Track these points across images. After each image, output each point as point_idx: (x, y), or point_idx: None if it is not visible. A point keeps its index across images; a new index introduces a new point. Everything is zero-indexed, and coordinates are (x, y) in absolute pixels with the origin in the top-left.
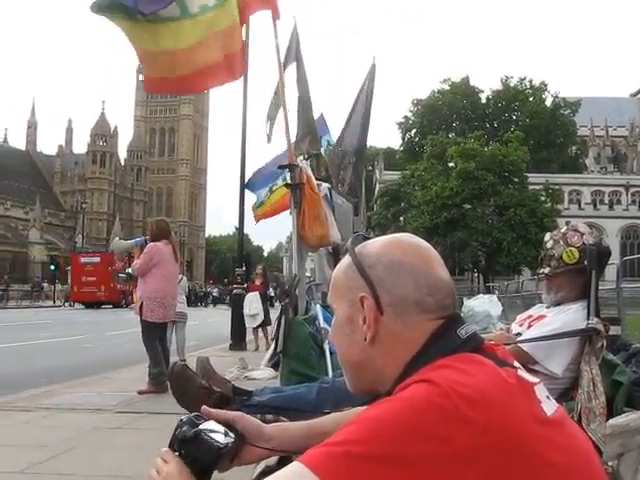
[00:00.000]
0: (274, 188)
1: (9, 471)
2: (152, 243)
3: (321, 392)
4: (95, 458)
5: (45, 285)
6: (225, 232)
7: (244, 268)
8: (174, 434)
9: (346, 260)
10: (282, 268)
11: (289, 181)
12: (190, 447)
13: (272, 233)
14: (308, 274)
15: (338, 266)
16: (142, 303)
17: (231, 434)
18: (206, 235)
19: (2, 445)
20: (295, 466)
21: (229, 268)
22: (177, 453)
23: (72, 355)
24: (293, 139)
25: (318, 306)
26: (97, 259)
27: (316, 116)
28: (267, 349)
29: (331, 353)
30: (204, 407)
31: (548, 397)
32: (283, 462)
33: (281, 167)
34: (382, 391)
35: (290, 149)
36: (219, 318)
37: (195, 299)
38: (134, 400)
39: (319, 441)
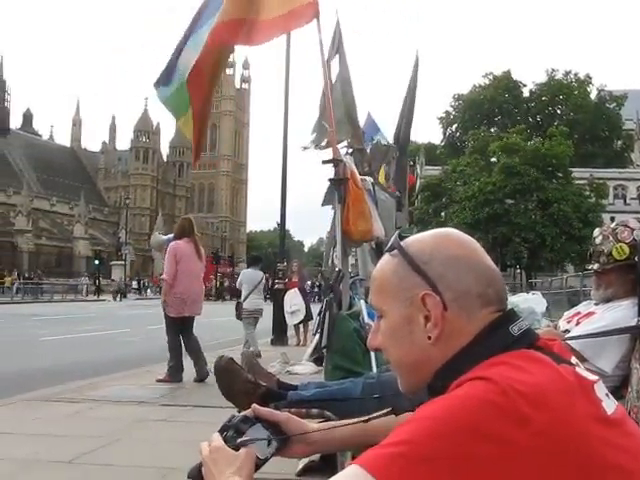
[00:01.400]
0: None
1: (58, 460)
2: (173, 242)
3: (366, 387)
4: (141, 450)
5: (84, 279)
6: (266, 227)
7: (285, 263)
8: (222, 431)
9: (392, 259)
10: (322, 263)
11: (333, 176)
12: None
13: (313, 228)
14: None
15: (381, 266)
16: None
17: (274, 442)
18: (247, 230)
19: (51, 435)
20: (352, 469)
21: (270, 263)
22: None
23: (116, 348)
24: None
25: (362, 301)
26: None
27: (364, 117)
28: (305, 344)
29: None
30: (255, 405)
31: (608, 395)
32: (325, 457)
33: (325, 162)
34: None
35: (334, 144)
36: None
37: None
38: (177, 393)
39: (363, 441)
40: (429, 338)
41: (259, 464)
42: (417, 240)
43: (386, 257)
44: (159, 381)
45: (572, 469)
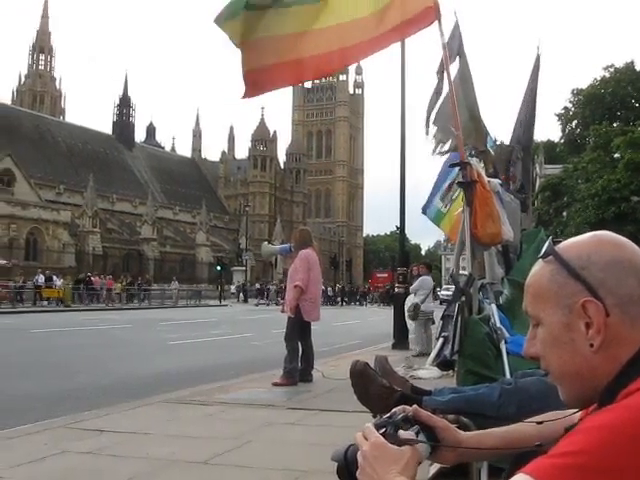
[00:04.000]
0: (454, 197)
1: (194, 461)
2: (304, 250)
3: (503, 394)
4: (272, 452)
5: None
6: (382, 231)
7: (405, 268)
8: (381, 427)
9: (547, 265)
10: (440, 267)
11: (461, 179)
12: None
13: (430, 231)
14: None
15: (536, 272)
16: (298, 304)
17: (429, 448)
18: (364, 235)
19: (186, 436)
20: (521, 478)
21: (387, 267)
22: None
23: (241, 352)
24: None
25: (493, 305)
26: (385, 275)
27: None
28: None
29: (508, 353)
30: (415, 407)
31: None
32: (459, 465)
33: (452, 165)
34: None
35: (461, 147)
36: (377, 317)
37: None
38: (304, 397)
39: (510, 451)
40: (591, 346)
41: None
42: (572, 245)
43: (541, 263)
44: (275, 384)
45: None
